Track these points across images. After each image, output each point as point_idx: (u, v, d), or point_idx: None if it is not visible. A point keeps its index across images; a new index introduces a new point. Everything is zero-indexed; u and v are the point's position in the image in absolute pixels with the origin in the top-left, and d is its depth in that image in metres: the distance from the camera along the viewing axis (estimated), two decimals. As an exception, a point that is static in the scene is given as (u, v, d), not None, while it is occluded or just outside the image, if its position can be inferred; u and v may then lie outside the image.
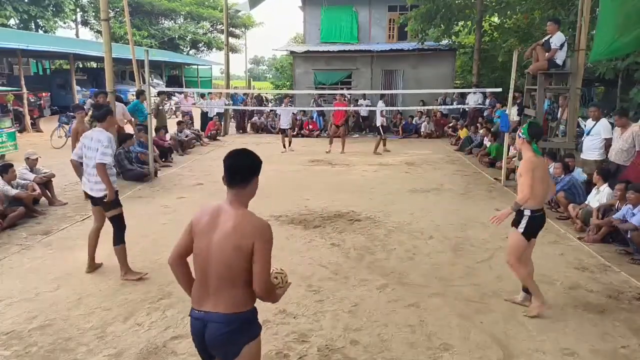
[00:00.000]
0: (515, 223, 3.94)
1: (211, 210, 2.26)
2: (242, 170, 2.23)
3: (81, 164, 4.75)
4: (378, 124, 12.76)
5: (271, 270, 2.33)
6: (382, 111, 12.90)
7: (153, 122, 10.38)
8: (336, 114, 12.95)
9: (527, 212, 3.85)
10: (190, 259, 2.34)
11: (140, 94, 10.63)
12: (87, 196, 4.83)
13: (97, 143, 4.54)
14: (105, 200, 4.59)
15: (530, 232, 3.90)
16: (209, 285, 2.19)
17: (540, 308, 3.89)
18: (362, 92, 17.00)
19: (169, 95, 22.83)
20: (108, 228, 6.17)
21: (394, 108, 17.33)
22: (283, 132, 12.88)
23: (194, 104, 18.12)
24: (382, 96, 13.34)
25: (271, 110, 17.92)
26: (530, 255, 4.09)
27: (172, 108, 22.80)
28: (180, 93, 19.99)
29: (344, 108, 13.19)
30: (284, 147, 12.78)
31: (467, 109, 15.35)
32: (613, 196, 6.01)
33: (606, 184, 6.19)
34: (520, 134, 3.95)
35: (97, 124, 4.84)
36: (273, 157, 11.83)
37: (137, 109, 10.43)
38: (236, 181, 2.23)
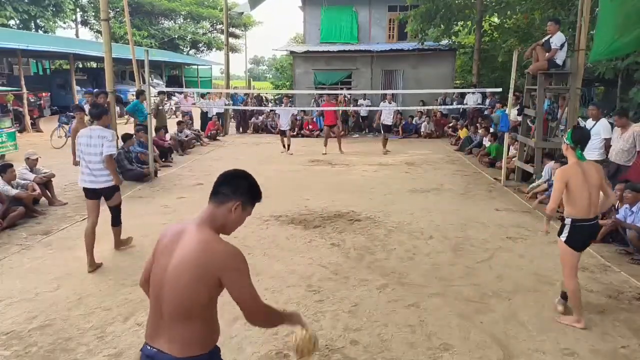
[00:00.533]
0: (559, 232, 3.83)
1: (176, 229, 1.97)
2: (223, 183, 2.02)
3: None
4: (389, 122, 12.65)
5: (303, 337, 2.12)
6: (394, 111, 12.84)
7: (153, 122, 10.38)
8: (327, 115, 12.84)
9: (567, 221, 3.72)
10: None
11: (140, 94, 10.62)
12: (86, 192, 4.97)
13: (101, 139, 4.81)
14: (112, 186, 4.97)
15: (574, 242, 3.70)
16: (163, 318, 1.88)
17: (577, 323, 3.74)
18: (362, 92, 17.00)
19: (169, 95, 22.83)
20: (105, 228, 6.17)
21: (394, 108, 17.32)
22: (282, 133, 12.78)
23: (194, 104, 18.11)
24: (384, 96, 13.32)
25: (271, 110, 17.93)
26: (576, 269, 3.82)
27: (172, 108, 22.80)
28: (180, 93, 19.97)
29: (332, 108, 13.03)
30: (284, 147, 12.68)
31: (466, 109, 15.35)
32: None
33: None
34: (565, 140, 3.80)
35: (95, 122, 5.01)
36: (273, 157, 11.84)
37: (137, 109, 10.42)
38: (214, 194, 2.03)
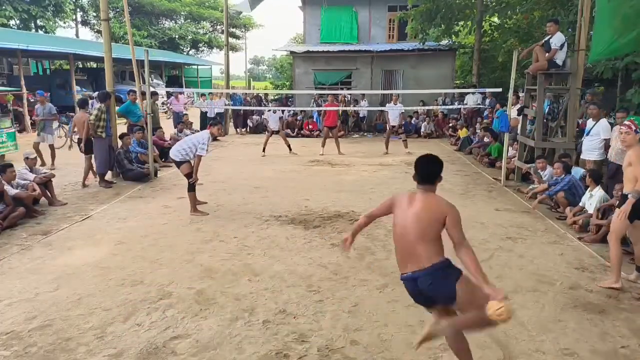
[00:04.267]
0: (620, 205, 4.41)
1: (407, 196, 2.93)
2: (433, 174, 2.94)
3: None
4: (396, 123, 12.59)
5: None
6: (401, 112, 12.76)
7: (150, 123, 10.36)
8: (328, 115, 12.68)
9: (630, 196, 4.26)
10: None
11: (129, 93, 10.60)
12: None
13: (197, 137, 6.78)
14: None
15: (635, 214, 4.30)
16: (408, 251, 2.81)
17: (613, 284, 4.37)
18: (362, 92, 17.01)
19: (153, 93, 22.75)
20: (105, 228, 6.18)
21: (394, 108, 17.31)
22: (274, 133, 12.62)
23: (185, 104, 18.02)
24: (390, 97, 13.33)
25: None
26: None
27: (164, 109, 22.64)
28: (171, 94, 19.75)
29: (335, 108, 12.96)
30: (264, 150, 12.27)
31: (463, 110, 15.35)
32: (606, 199, 6.03)
33: (598, 187, 6.19)
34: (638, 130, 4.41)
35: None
36: (273, 157, 11.83)
37: (129, 110, 10.39)
38: (426, 181, 2.93)
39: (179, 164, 6.81)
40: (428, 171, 2.93)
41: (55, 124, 11.66)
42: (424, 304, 2.94)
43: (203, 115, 16.77)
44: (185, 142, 6.81)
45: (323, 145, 12.46)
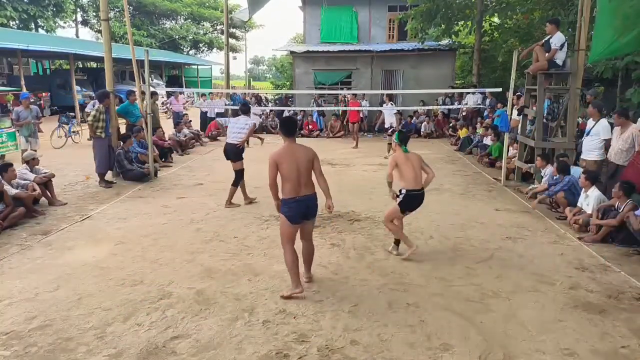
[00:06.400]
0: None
1: (286, 150, 4.15)
2: (294, 128, 4.30)
3: None
4: (389, 124, 12.55)
5: None
6: (395, 112, 12.84)
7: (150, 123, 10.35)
8: (351, 114, 13.61)
9: (402, 191, 5.02)
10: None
11: (129, 94, 10.59)
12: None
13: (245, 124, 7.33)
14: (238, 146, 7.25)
15: (405, 205, 5.08)
16: (301, 184, 4.13)
17: None
18: (362, 92, 17.01)
19: (152, 93, 22.81)
20: (105, 228, 6.18)
21: (394, 108, 17.31)
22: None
23: (185, 104, 18.02)
24: (390, 97, 13.50)
25: (271, 110, 17.93)
26: None
27: (163, 109, 22.65)
28: (171, 94, 19.78)
29: (358, 108, 13.62)
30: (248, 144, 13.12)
31: (464, 110, 15.34)
32: (603, 199, 6.03)
33: (594, 187, 6.19)
34: (394, 139, 5.26)
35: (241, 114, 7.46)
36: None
37: (127, 110, 10.37)
38: (292, 134, 4.23)
39: (234, 159, 7.27)
40: (292, 127, 4.27)
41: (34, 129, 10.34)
42: (301, 218, 4.20)
43: (203, 115, 16.76)
44: (237, 126, 7.30)
45: (354, 139, 13.51)
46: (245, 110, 7.59)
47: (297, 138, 4.41)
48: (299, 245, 4.36)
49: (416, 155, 5.18)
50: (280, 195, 4.24)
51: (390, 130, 12.15)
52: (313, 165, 4.21)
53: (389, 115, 12.51)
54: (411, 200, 5.04)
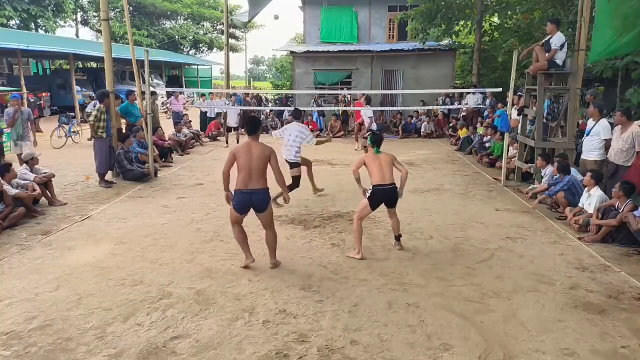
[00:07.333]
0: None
1: (245, 145, 4.64)
2: (256, 127, 4.73)
3: None
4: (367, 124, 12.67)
5: None
6: (370, 116, 12.78)
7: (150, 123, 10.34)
8: (357, 114, 13.48)
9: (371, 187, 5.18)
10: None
11: (128, 94, 10.58)
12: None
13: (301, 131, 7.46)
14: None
15: (373, 201, 5.20)
16: (252, 177, 4.56)
17: None
18: (362, 92, 17.00)
19: (152, 93, 22.87)
20: (105, 228, 6.19)
21: (394, 108, 17.35)
22: (230, 130, 13.86)
23: (185, 104, 18.01)
24: (368, 99, 13.37)
25: (271, 110, 17.93)
26: None
27: (164, 108, 22.64)
28: (171, 94, 19.81)
29: (363, 108, 13.33)
30: (227, 143, 13.76)
31: (464, 110, 15.34)
32: (604, 199, 6.03)
33: (597, 187, 6.18)
34: (368, 142, 5.38)
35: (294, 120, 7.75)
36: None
37: (127, 110, 10.36)
38: (253, 133, 4.68)
39: (291, 166, 7.31)
40: (255, 126, 4.69)
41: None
42: (246, 209, 4.64)
43: (203, 115, 16.76)
44: (293, 142, 7.29)
45: (357, 140, 13.28)
46: (296, 115, 7.70)
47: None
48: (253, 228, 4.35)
49: (388, 155, 5.32)
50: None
51: (367, 132, 12.34)
52: (270, 162, 4.62)
53: (365, 115, 12.65)
54: (379, 194, 5.15)
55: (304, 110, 12.50)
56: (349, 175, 9.71)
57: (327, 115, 17.14)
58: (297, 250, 5.42)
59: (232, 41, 40.48)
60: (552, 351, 3.42)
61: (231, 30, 38.05)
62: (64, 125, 13.96)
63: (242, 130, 14.38)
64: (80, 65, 30.14)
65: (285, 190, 4.97)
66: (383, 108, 17.35)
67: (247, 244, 4.88)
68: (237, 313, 3.95)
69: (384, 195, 5.19)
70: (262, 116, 17.70)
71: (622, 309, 4.07)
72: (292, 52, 19.01)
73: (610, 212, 5.77)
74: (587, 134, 7.25)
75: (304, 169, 7.58)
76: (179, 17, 41.51)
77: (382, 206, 5.32)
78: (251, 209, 4.72)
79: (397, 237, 5.48)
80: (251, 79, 46.81)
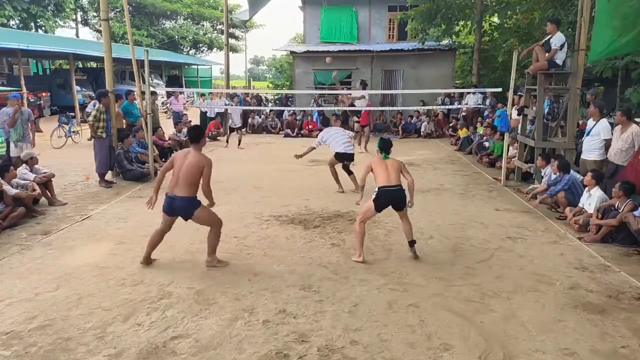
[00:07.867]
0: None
1: (184, 152, 4.78)
2: (198, 137, 4.78)
3: None
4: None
5: None
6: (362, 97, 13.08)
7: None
8: (363, 115, 13.38)
9: (377, 189, 5.12)
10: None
11: (128, 93, 10.56)
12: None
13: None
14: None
15: (379, 202, 5.13)
16: (179, 184, 4.63)
17: None
18: (361, 92, 16.99)
19: (152, 93, 22.93)
20: (105, 228, 6.19)
21: (394, 108, 17.35)
22: (232, 130, 13.72)
23: (185, 104, 18.01)
24: (364, 85, 13.57)
25: (271, 110, 17.93)
26: None
27: (164, 108, 22.62)
28: (171, 94, 19.83)
29: (369, 109, 13.47)
30: (228, 143, 13.78)
31: (464, 110, 15.34)
32: (605, 199, 6.03)
33: (597, 187, 6.18)
34: (377, 148, 5.28)
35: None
36: (273, 157, 11.83)
37: (127, 110, 10.36)
38: (195, 141, 4.76)
39: (351, 158, 8.23)
40: (197, 135, 4.77)
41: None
42: (171, 212, 4.75)
43: (203, 115, 16.76)
44: (346, 138, 8.21)
45: (359, 144, 13.03)
46: (327, 124, 8.15)
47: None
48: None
49: (396, 161, 5.24)
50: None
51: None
52: (203, 172, 4.67)
53: (358, 103, 13.00)
54: (384, 196, 5.06)
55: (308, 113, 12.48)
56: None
57: (327, 116, 17.14)
58: (297, 250, 5.42)
59: (232, 41, 40.52)
60: (552, 351, 3.42)
61: (231, 30, 38.08)
62: (64, 125, 13.96)
63: (244, 130, 14.56)
64: (80, 65, 30.13)
65: (211, 201, 4.95)
66: (383, 108, 17.35)
67: (155, 247, 4.96)
68: (237, 313, 3.95)
69: (390, 197, 5.05)
70: (262, 116, 17.72)
71: (622, 309, 4.07)
72: (292, 52, 19.02)
73: (610, 212, 5.77)
74: (587, 134, 7.26)
75: (335, 163, 8.30)
76: (178, 17, 41.49)
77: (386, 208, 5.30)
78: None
79: (411, 243, 5.15)
80: (251, 79, 46.76)
